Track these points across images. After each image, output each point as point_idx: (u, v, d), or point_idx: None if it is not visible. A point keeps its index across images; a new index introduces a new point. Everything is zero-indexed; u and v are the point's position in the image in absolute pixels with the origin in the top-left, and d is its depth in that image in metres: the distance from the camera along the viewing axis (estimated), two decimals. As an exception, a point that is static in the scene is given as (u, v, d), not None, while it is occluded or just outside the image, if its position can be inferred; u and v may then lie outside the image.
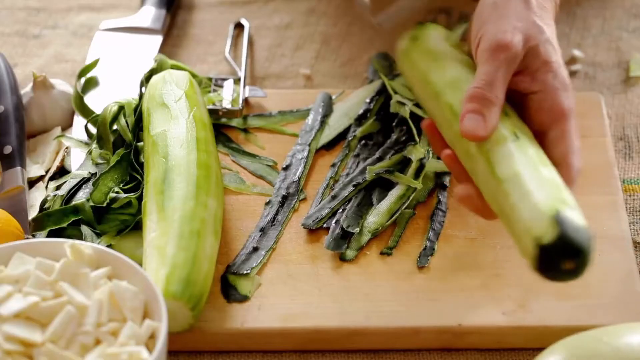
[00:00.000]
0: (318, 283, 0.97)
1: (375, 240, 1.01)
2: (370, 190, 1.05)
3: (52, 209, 1.02)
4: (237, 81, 1.16)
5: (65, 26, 1.29)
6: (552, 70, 0.94)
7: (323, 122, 1.12)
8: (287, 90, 1.19)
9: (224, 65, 1.23)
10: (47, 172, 1.08)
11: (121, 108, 1.09)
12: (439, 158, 1.05)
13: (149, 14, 1.26)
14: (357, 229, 1.01)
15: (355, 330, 0.94)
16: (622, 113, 1.17)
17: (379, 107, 1.13)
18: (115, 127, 1.08)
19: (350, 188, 1.04)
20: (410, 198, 1.03)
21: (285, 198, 1.05)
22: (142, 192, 1.01)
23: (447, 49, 1.01)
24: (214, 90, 1.15)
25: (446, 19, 1.27)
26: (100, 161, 1.06)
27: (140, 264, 0.93)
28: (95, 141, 1.08)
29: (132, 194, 1.01)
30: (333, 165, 1.08)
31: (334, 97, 1.15)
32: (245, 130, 1.12)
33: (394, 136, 1.09)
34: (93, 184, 1.02)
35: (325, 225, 1.02)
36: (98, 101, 1.14)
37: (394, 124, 1.10)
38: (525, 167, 0.88)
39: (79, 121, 1.12)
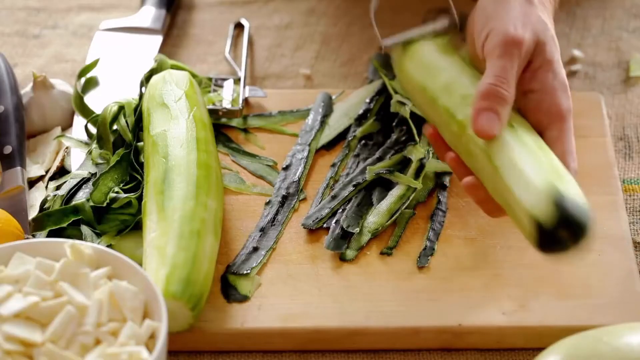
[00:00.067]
0: (318, 283, 0.97)
1: (375, 240, 1.01)
2: (370, 190, 1.05)
3: (52, 209, 1.02)
4: (237, 81, 1.16)
5: (65, 26, 1.29)
6: (553, 69, 0.93)
7: (323, 122, 1.12)
8: (287, 90, 1.19)
9: (224, 65, 1.23)
10: (47, 172, 1.08)
11: (121, 108, 1.09)
12: (439, 158, 1.06)
13: (149, 14, 1.26)
14: (357, 229, 1.01)
15: (355, 330, 0.94)
16: (622, 113, 1.17)
17: (379, 107, 1.13)
18: (115, 127, 1.08)
19: (350, 188, 1.04)
20: (410, 198, 1.03)
21: (285, 198, 1.05)
22: (142, 192, 1.01)
23: (437, 56, 1.02)
24: (214, 90, 1.15)
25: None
26: (100, 161, 1.06)
27: (140, 264, 0.93)
28: (95, 141, 1.08)
29: (132, 194, 1.01)
30: (333, 165, 1.08)
31: (334, 97, 1.15)
32: (245, 130, 1.12)
33: (394, 136, 1.09)
34: (93, 184, 1.02)
35: (325, 225, 1.02)
36: (98, 101, 1.14)
37: (394, 124, 1.10)
38: (521, 152, 0.89)
39: (79, 121, 1.12)
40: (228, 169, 1.08)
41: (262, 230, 1.02)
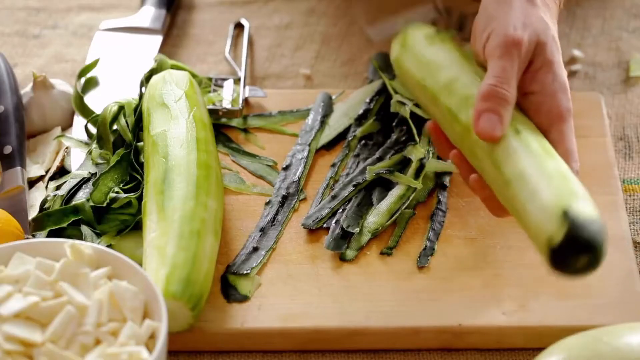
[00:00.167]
0: (318, 283, 0.97)
1: (375, 240, 1.01)
2: (370, 190, 1.05)
3: (52, 209, 1.02)
4: (237, 81, 1.16)
5: (65, 26, 1.29)
6: (553, 71, 0.93)
7: (323, 122, 1.12)
8: (287, 90, 1.19)
9: (224, 65, 1.23)
10: (47, 172, 1.08)
11: (121, 108, 1.09)
12: (439, 158, 1.06)
13: (149, 14, 1.26)
14: (357, 229, 1.01)
15: (355, 330, 0.94)
16: (622, 113, 1.17)
17: (379, 107, 1.13)
18: (115, 127, 1.08)
19: (350, 188, 1.04)
20: (410, 198, 1.03)
21: (285, 198, 1.05)
22: (142, 192, 1.01)
23: (435, 51, 1.02)
24: (214, 90, 1.15)
25: (446, 19, 1.27)
26: (100, 161, 1.06)
27: (140, 264, 0.93)
28: (95, 141, 1.08)
29: (132, 194, 1.01)
30: (333, 165, 1.08)
31: (334, 97, 1.15)
32: (245, 130, 1.12)
33: (394, 136, 1.09)
34: (93, 184, 1.02)
35: (325, 225, 1.02)
36: (98, 101, 1.14)
37: (394, 124, 1.10)
38: (530, 163, 0.88)
39: (79, 121, 1.12)
40: (228, 169, 1.08)
41: (262, 230, 1.02)
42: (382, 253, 1.00)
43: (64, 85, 1.15)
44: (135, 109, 1.09)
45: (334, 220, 1.02)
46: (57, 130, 1.12)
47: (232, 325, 0.94)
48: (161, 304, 0.86)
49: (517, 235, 0.96)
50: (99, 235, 1.00)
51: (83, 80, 1.17)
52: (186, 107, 1.04)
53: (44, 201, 1.03)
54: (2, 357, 0.82)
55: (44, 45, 1.27)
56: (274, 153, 1.10)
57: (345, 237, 1.00)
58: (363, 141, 1.10)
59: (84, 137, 1.10)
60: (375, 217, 1.02)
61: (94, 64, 1.17)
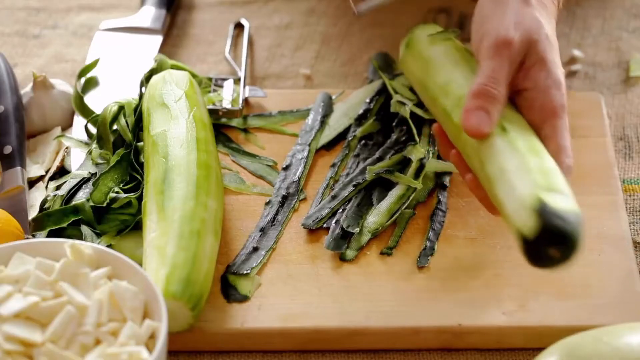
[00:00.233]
0: (318, 283, 0.97)
1: (375, 240, 1.01)
2: (370, 190, 1.05)
3: (52, 209, 1.02)
4: (237, 81, 1.16)
5: (65, 26, 1.29)
6: (546, 68, 0.94)
7: (323, 122, 1.12)
8: (287, 90, 1.19)
9: (224, 65, 1.23)
10: (47, 172, 1.08)
11: (121, 108, 1.09)
12: (439, 158, 1.06)
13: (149, 14, 1.26)
14: (357, 229, 1.00)
15: (355, 330, 0.94)
16: (622, 113, 1.17)
17: (379, 107, 1.13)
18: (115, 127, 1.08)
19: (350, 188, 1.04)
20: (410, 198, 1.03)
21: (285, 198, 1.05)
22: (142, 192, 1.01)
23: (436, 51, 1.02)
24: (214, 90, 1.15)
25: (446, 19, 1.27)
26: (100, 161, 1.06)
27: (140, 264, 0.93)
28: (95, 141, 1.08)
29: (132, 194, 1.01)
30: (333, 165, 1.08)
31: (334, 97, 1.15)
32: (245, 130, 1.12)
33: (394, 136, 1.09)
34: (93, 184, 1.02)
35: (325, 225, 1.02)
36: (98, 101, 1.14)
37: (394, 124, 1.10)
38: (512, 161, 0.88)
39: (79, 121, 1.12)
40: (228, 169, 1.08)
41: (262, 230, 1.02)
42: (382, 253, 1.00)
43: (64, 85, 1.15)
44: (135, 109, 1.09)
45: (334, 220, 1.02)
46: (57, 130, 1.12)
47: (232, 325, 0.94)
48: (161, 304, 0.86)
49: (517, 235, 0.96)
50: (99, 235, 1.00)
51: (83, 80, 1.17)
52: (186, 107, 1.04)
53: (44, 201, 1.03)
54: (2, 357, 0.82)
55: (44, 45, 1.27)
56: (274, 153, 1.10)
57: (345, 237, 1.00)
58: (363, 141, 1.10)
59: (84, 137, 1.10)
60: (375, 217, 1.02)
61: (94, 64, 1.17)
